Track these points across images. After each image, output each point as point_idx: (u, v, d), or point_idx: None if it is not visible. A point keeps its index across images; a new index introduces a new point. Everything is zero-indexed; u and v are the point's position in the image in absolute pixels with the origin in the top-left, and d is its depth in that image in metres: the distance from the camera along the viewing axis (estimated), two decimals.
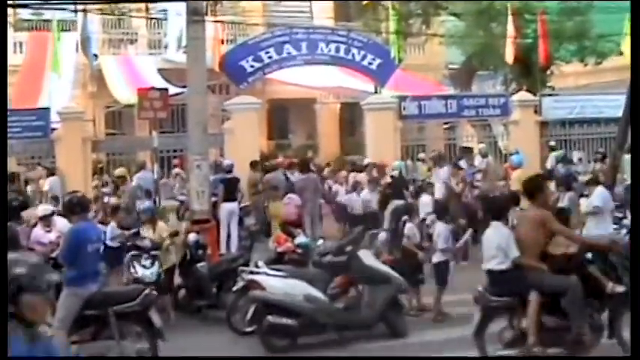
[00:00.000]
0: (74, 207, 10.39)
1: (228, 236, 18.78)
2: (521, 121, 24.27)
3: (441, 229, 12.80)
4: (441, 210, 13.56)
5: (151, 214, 13.97)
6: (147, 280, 12.28)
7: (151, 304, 10.13)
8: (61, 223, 12.92)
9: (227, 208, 18.61)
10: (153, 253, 12.93)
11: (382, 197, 18.00)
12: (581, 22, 28.31)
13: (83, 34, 24.76)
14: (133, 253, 12.95)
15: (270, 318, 11.02)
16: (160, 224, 14.03)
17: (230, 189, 18.59)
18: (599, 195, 14.57)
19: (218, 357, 9.59)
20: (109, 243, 13.41)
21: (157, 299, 10.80)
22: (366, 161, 21.78)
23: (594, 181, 15.64)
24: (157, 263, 12.83)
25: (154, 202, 17.08)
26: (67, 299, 9.82)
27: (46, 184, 19.81)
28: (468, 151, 22.68)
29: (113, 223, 14.07)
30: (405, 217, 13.86)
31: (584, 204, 14.45)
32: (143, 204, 14.79)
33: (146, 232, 13.56)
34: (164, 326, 10.39)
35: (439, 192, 18.02)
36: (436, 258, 12.74)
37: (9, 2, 20.41)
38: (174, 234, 13.89)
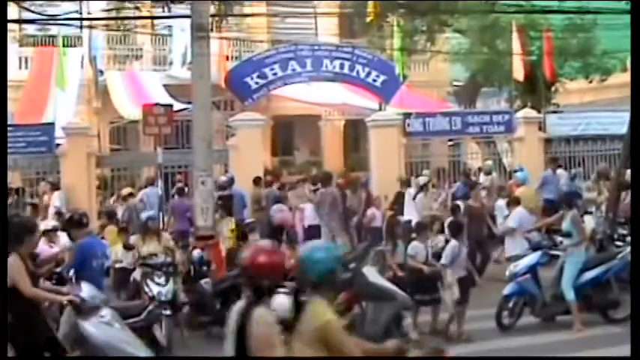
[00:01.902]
0: (75, 223, 10.43)
1: None
2: (526, 138, 24.25)
3: (452, 247, 12.73)
4: (455, 228, 13.46)
5: (157, 224, 14.00)
6: (163, 298, 12.21)
7: (155, 320, 10.15)
8: (65, 239, 12.95)
9: (227, 224, 18.49)
10: (166, 270, 12.89)
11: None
12: (586, 39, 28.43)
13: (88, 50, 24.88)
14: (144, 270, 12.93)
15: None
16: (165, 235, 14.05)
17: (225, 205, 18.50)
18: (515, 216, 14.65)
19: (218, 357, 9.56)
20: (118, 265, 13.40)
21: (170, 316, 10.79)
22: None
23: (515, 201, 15.70)
24: (171, 280, 12.76)
25: (160, 217, 17.11)
26: (72, 314, 9.82)
27: (54, 198, 19.82)
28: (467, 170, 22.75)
29: (119, 246, 14.08)
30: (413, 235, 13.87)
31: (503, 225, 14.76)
32: (147, 213, 14.83)
33: (150, 243, 13.60)
34: (169, 342, 10.40)
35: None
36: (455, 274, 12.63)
37: (15, 18, 20.58)
38: (185, 247, 13.90)
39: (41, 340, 8.71)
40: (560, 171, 22.39)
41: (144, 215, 14.66)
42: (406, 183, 20.35)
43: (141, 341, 9.96)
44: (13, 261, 8.58)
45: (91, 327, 9.24)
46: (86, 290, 9.51)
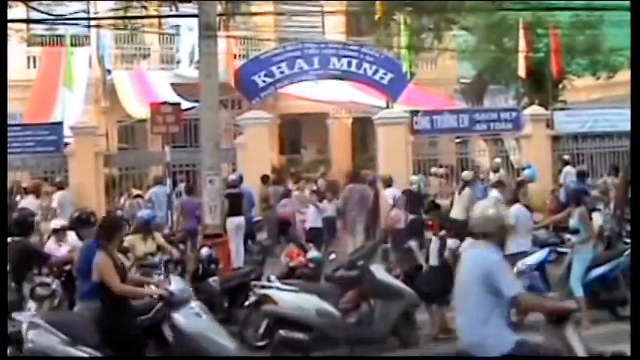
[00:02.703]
0: (83, 222, 10.46)
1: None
2: (533, 136, 24.26)
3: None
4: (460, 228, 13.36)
5: (147, 225, 14.03)
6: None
7: (163, 319, 10.16)
8: (73, 238, 12.98)
9: (233, 222, 18.49)
10: (166, 267, 12.89)
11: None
12: (593, 36, 28.37)
13: (96, 50, 24.87)
14: (142, 271, 12.94)
15: (282, 332, 11.01)
16: (157, 234, 14.10)
17: (234, 203, 18.51)
18: (513, 213, 14.60)
19: (218, 357, 9.60)
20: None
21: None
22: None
23: (513, 200, 15.62)
24: (171, 277, 12.74)
25: (168, 216, 17.17)
26: (81, 313, 9.87)
27: (55, 198, 19.79)
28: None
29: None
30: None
31: None
32: (147, 212, 14.87)
33: (146, 242, 13.64)
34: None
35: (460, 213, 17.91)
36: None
37: (23, 18, 20.62)
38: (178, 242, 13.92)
39: (125, 334, 9.07)
40: (568, 168, 22.35)
41: (140, 215, 14.71)
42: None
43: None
44: (102, 258, 9.00)
45: (182, 318, 9.70)
46: (174, 284, 10.03)
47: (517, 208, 15.00)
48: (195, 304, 10.02)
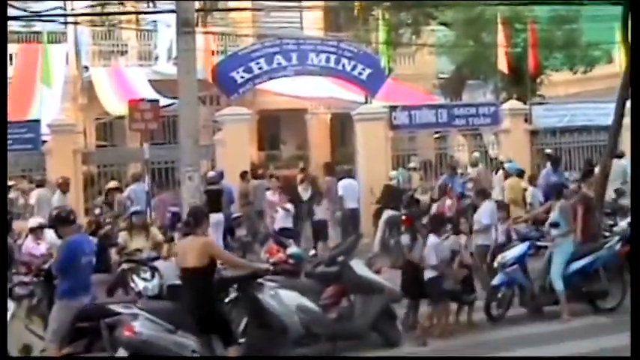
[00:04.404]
0: (62, 220, 10.39)
1: None
2: (512, 130, 24.34)
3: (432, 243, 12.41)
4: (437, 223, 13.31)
5: (143, 219, 13.97)
6: (149, 293, 12.20)
7: None
8: (51, 236, 12.91)
9: (212, 219, 18.30)
10: (152, 264, 12.88)
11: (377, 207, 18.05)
12: (571, 30, 28.50)
13: (73, 46, 24.74)
14: (130, 266, 12.91)
15: (262, 329, 10.99)
16: (153, 230, 14.03)
17: (213, 200, 18.44)
18: (486, 210, 14.67)
19: (217, 357, 9.60)
20: None
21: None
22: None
23: (483, 194, 15.65)
24: (157, 275, 12.76)
25: (147, 213, 17.07)
26: (60, 311, 9.84)
27: (32, 196, 19.68)
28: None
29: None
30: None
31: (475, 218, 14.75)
32: (134, 208, 14.80)
33: (138, 238, 13.58)
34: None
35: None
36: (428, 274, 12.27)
37: None
38: (170, 240, 13.88)
39: (213, 318, 9.65)
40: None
41: (130, 209, 14.66)
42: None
43: None
44: (210, 240, 9.90)
45: (269, 299, 10.47)
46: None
47: (490, 205, 15.09)
48: (273, 284, 10.83)
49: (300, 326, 10.65)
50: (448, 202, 18.24)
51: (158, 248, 13.65)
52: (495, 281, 12.97)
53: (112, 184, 19.78)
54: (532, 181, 20.23)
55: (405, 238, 13.44)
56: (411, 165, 23.65)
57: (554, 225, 13.03)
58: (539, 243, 13.94)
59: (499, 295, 13.00)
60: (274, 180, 21.09)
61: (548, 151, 23.63)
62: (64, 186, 19.12)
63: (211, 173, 19.80)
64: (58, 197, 18.57)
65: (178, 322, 9.55)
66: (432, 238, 12.34)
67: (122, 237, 14.26)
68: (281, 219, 19.09)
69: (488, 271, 13.68)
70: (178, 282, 12.74)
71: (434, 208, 17.92)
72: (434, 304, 12.24)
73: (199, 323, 9.51)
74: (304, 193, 20.10)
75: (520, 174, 20.13)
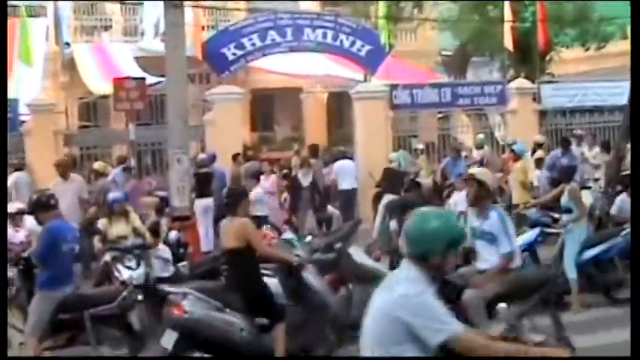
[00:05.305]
0: (42, 205, 10.33)
1: None
2: (519, 110, 24.28)
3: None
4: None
5: (123, 206, 13.96)
6: (134, 282, 12.16)
7: (130, 307, 10.09)
8: (31, 222, 12.84)
9: (201, 204, 18.28)
10: (137, 252, 12.85)
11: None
12: (583, 4, 28.42)
13: (54, 21, 24.63)
14: (114, 255, 12.88)
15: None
16: (132, 214, 14.01)
17: (203, 184, 18.37)
18: (461, 196, 14.67)
19: (218, 357, 9.59)
20: None
21: (143, 302, 10.80)
22: None
23: (464, 179, 15.64)
24: (142, 263, 12.73)
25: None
26: (40, 303, 9.79)
27: (11, 180, 19.55)
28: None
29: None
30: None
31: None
32: (114, 194, 14.76)
33: (117, 224, 13.56)
34: (145, 330, 10.36)
35: None
36: None
37: None
38: (155, 226, 13.85)
39: (259, 297, 9.93)
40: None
41: (110, 197, 14.61)
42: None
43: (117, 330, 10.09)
44: (248, 223, 9.99)
45: (312, 278, 10.63)
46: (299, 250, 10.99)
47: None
48: (312, 266, 10.89)
49: (337, 304, 10.82)
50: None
51: (140, 234, 13.61)
52: None
53: (98, 165, 19.66)
54: (539, 163, 20.20)
55: (393, 224, 13.42)
56: (413, 147, 23.62)
57: (566, 210, 13.00)
58: (548, 230, 13.90)
59: None
60: (266, 164, 21.04)
61: (579, 131, 23.23)
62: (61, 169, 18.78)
63: (202, 155, 19.74)
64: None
65: (226, 301, 9.84)
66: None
67: (102, 224, 14.23)
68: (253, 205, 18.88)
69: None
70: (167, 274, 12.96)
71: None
72: None
73: (246, 303, 9.81)
74: (304, 178, 20.03)
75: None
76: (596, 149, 21.59)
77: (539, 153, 20.74)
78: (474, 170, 10.85)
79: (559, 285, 10.45)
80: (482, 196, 9.89)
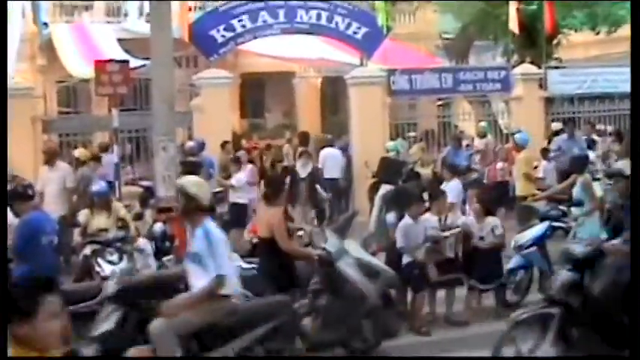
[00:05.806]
0: (19, 196, 10.24)
1: None
2: (525, 97, 24.30)
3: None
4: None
5: (106, 197, 13.91)
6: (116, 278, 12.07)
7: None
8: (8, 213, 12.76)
9: None
10: (118, 245, 12.76)
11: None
12: None
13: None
14: (94, 248, 12.80)
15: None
16: (115, 204, 13.95)
17: (189, 173, 18.23)
18: (452, 189, 14.65)
19: (218, 357, 9.54)
20: None
21: None
22: None
23: (452, 171, 15.66)
24: (125, 257, 12.62)
25: (114, 187, 17.01)
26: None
27: None
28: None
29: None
30: None
31: None
32: (96, 186, 14.70)
33: (99, 216, 13.50)
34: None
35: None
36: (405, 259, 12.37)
37: None
38: (138, 217, 13.79)
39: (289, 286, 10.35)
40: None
41: (93, 188, 14.55)
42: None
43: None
44: (277, 214, 10.42)
45: (348, 268, 10.66)
46: (331, 242, 10.87)
47: (456, 184, 15.11)
48: (349, 256, 10.84)
49: (376, 293, 10.79)
50: (500, 164, 19.03)
51: (124, 225, 13.55)
52: (511, 264, 12.92)
53: (79, 152, 19.54)
54: (544, 154, 20.18)
55: (390, 217, 13.36)
56: (411, 135, 23.59)
57: (577, 203, 12.95)
58: (558, 224, 13.86)
59: (515, 280, 12.93)
60: (244, 153, 21.01)
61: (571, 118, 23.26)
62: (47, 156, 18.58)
63: (190, 143, 19.68)
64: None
65: (263, 289, 10.23)
66: (405, 219, 12.43)
67: (83, 215, 14.15)
68: (235, 191, 18.80)
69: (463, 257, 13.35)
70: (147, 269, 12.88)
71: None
72: (413, 293, 12.32)
73: (281, 291, 10.04)
74: (303, 169, 19.99)
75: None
76: (608, 139, 21.58)
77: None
78: (183, 180, 9.85)
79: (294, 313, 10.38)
80: (191, 210, 8.98)
